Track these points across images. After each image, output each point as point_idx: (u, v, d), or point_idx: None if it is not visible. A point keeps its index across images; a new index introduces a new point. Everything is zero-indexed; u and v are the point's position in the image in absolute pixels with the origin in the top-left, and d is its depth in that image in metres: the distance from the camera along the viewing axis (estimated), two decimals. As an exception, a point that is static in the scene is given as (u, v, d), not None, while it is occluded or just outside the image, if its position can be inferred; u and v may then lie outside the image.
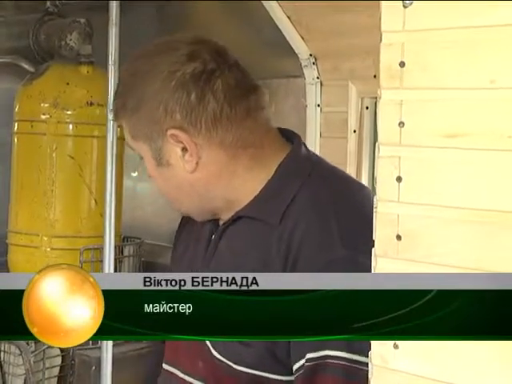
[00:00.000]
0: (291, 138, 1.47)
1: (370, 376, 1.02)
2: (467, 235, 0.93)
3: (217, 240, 1.44)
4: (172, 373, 1.48)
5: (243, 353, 1.33)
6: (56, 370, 3.22)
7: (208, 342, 1.38)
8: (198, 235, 1.51)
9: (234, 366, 1.35)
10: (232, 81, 1.38)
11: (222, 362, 1.36)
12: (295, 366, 1.30)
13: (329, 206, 1.33)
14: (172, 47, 1.40)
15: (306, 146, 1.46)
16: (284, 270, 1.30)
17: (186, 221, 1.58)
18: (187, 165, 1.38)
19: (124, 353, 3.28)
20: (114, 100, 1.46)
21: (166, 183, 1.44)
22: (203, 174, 1.39)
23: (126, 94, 1.42)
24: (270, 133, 1.44)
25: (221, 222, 1.46)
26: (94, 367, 3.11)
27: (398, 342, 0.98)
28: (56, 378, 3.22)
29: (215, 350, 1.37)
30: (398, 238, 0.98)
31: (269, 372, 1.33)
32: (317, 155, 1.49)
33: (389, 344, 0.99)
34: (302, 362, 1.28)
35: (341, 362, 1.23)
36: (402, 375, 0.98)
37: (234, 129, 1.38)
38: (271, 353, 1.32)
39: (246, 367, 1.34)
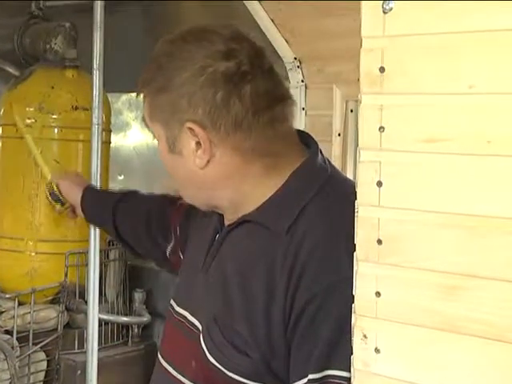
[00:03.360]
0: (309, 143, 1.44)
1: (352, 380, 1.02)
2: (447, 239, 0.93)
3: (220, 242, 1.43)
4: (165, 368, 1.48)
5: (239, 361, 1.32)
6: (41, 375, 3.21)
7: (204, 346, 1.37)
8: (203, 231, 1.51)
9: (228, 373, 1.34)
10: (261, 88, 1.35)
11: (216, 367, 1.35)
12: None
13: (339, 223, 1.29)
14: (210, 39, 1.37)
15: (322, 154, 1.43)
16: (287, 285, 1.28)
17: (195, 212, 1.56)
18: (198, 160, 1.36)
19: (110, 357, 3.27)
20: (142, 74, 1.43)
21: (175, 170, 1.43)
22: (213, 172, 1.37)
23: (155, 72, 1.39)
24: (290, 142, 1.42)
25: (226, 222, 1.44)
26: (79, 371, 3.10)
27: (379, 347, 0.99)
28: (41, 383, 3.21)
29: (211, 355, 1.36)
30: (379, 242, 0.99)
31: (262, 383, 1.32)
32: (332, 165, 1.45)
33: (370, 348, 0.99)
34: (303, 381, 1.26)
35: (342, 382, 1.22)
36: (384, 379, 0.98)
37: (253, 137, 1.35)
38: (268, 364, 1.31)
39: (240, 376, 1.33)
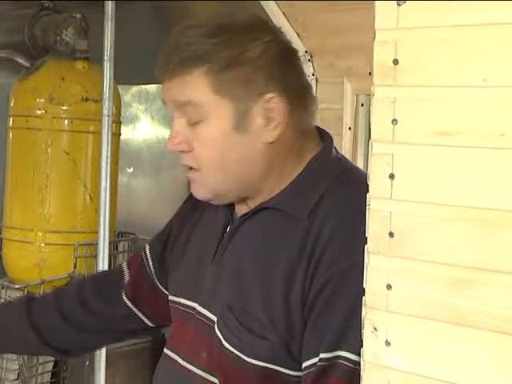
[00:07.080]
0: (323, 135, 1.46)
1: (361, 373, 1.02)
2: (459, 233, 0.93)
3: (232, 233, 1.43)
4: (172, 358, 1.48)
5: (258, 346, 1.33)
6: (50, 365, 3.23)
7: (219, 334, 1.37)
8: (208, 226, 1.50)
9: (246, 359, 1.34)
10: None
11: (233, 353, 1.35)
12: (306, 363, 1.29)
13: (357, 209, 1.24)
14: (257, 22, 1.39)
15: (335, 148, 1.45)
16: (307, 267, 1.29)
17: (192, 207, 1.55)
18: (269, 134, 1.33)
19: (118, 348, 3.28)
20: (190, 49, 1.33)
21: (228, 150, 1.35)
22: (272, 151, 1.35)
23: (216, 45, 1.33)
24: (312, 126, 1.44)
25: (238, 212, 1.43)
26: (87, 362, 3.11)
27: (389, 340, 0.99)
28: (49, 373, 3.23)
29: (227, 342, 1.36)
30: (391, 235, 0.99)
31: (280, 365, 1.32)
32: (346, 157, 1.47)
33: (381, 341, 1.00)
34: (315, 360, 1.27)
35: (349, 364, 1.23)
36: (394, 372, 0.98)
37: (307, 115, 1.39)
38: (286, 347, 1.31)
39: (258, 360, 1.33)
